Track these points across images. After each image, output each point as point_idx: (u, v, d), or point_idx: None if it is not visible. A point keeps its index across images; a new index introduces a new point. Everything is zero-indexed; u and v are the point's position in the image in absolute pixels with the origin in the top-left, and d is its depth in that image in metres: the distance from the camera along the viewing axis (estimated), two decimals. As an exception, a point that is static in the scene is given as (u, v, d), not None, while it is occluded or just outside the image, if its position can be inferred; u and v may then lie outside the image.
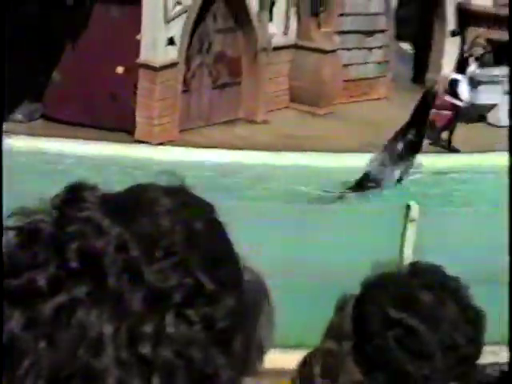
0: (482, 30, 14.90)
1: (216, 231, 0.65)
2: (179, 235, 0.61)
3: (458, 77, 13.39)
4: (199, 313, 0.60)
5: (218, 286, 0.61)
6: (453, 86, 13.17)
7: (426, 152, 11.92)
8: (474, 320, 1.38)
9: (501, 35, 14.59)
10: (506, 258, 4.18)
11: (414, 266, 1.45)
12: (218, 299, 0.60)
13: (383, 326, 1.36)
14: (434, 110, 12.06)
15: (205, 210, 0.65)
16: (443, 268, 1.43)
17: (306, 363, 1.40)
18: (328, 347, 1.40)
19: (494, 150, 11.85)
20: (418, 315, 1.36)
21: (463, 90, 13.08)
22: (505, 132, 12.96)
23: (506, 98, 13.67)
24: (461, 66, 14.15)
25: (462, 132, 13.09)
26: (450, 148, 12.77)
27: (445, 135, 13.07)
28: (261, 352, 0.74)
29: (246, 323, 0.64)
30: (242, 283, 0.64)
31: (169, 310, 0.59)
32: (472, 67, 13.88)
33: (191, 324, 0.59)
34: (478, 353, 1.38)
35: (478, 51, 14.41)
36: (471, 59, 14.06)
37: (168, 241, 0.60)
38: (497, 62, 14.66)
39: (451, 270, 1.41)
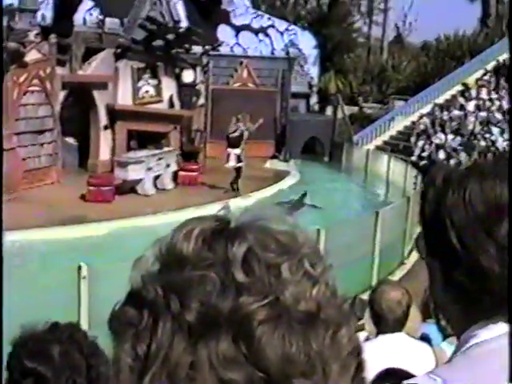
0: (126, 124, 20.10)
1: None
2: None
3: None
4: None
5: None
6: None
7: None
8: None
9: (139, 126, 20.06)
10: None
11: (53, 324, 1.76)
12: None
13: (21, 375, 1.66)
14: None
15: None
16: (77, 323, 1.88)
17: None
18: None
19: (143, 214, 16.12)
20: (48, 364, 1.66)
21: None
22: (152, 199, 18.02)
23: (149, 172, 18.35)
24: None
25: (120, 202, 16.95)
26: None
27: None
28: None
29: None
30: None
31: None
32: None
33: None
34: None
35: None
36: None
37: None
38: (141, 146, 19.77)
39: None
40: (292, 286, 0.88)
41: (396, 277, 13.09)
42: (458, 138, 26.00)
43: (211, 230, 0.92)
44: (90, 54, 19.77)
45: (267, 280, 0.88)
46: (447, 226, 1.25)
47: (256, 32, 28.88)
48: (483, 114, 27.53)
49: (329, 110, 31.57)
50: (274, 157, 26.04)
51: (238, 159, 19.35)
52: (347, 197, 20.26)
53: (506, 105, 27.60)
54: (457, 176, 1.31)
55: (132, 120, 19.96)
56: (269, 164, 25.00)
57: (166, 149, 20.04)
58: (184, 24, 22.17)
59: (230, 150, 19.38)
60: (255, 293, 0.86)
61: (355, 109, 33.28)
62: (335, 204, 18.97)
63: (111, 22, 20.87)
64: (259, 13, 30.19)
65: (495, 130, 25.96)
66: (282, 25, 30.14)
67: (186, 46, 21.47)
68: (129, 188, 18.04)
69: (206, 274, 0.87)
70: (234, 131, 19.91)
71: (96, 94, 20.02)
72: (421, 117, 29.24)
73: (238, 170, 19.37)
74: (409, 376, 2.52)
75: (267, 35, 29.29)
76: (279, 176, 22.62)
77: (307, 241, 0.94)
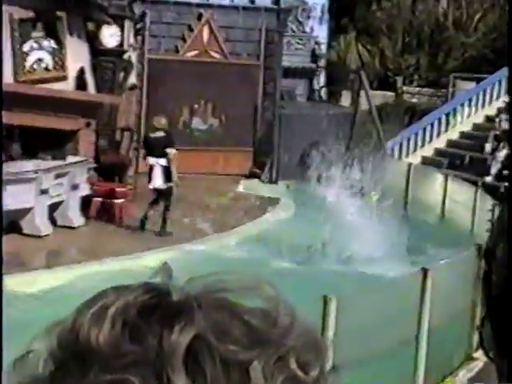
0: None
1: None
2: None
3: None
4: None
5: None
6: None
7: None
8: None
9: (25, 120, 20.02)
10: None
11: None
12: None
13: None
14: None
15: None
16: None
17: None
18: None
19: (31, 269, 16.43)
20: None
21: None
22: (46, 243, 18.03)
23: (43, 198, 18.49)
24: None
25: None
26: None
27: None
28: None
29: None
30: None
31: None
32: None
33: None
34: None
35: None
36: None
37: None
38: (28, 154, 19.81)
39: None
40: None
41: (459, 380, 13.22)
42: None
43: (137, 307, 0.95)
44: None
45: None
46: None
47: (225, -38, 29.18)
48: None
49: (345, 98, 31.89)
50: (251, 175, 26.34)
51: (166, 176, 19.39)
52: (376, 242, 20.43)
53: None
54: None
55: (13, 109, 19.80)
56: (243, 187, 25.14)
57: (71, 159, 20.20)
58: None
59: (151, 160, 19.54)
60: None
61: (390, 95, 33.61)
62: (356, 254, 19.16)
63: None
64: None
65: None
66: (269, -50, 30.40)
67: (107, -17, 21.77)
68: (7, 223, 17.92)
69: (125, 378, 0.90)
70: (158, 129, 19.80)
71: None
72: (502, 109, 29.59)
73: (164, 194, 19.42)
74: None
75: (244, -32, 29.59)
76: (260, 207, 22.77)
77: (295, 325, 0.97)
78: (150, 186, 19.37)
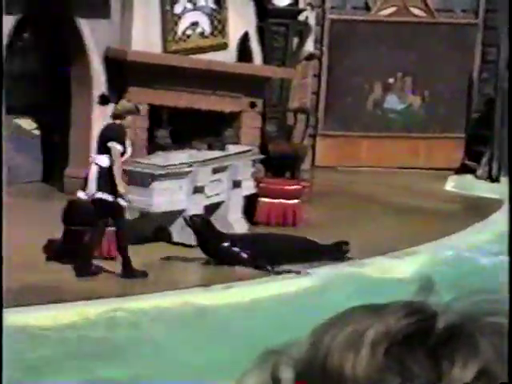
0: (147, 93, 20.04)
1: None
2: None
3: None
4: None
5: None
6: None
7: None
8: None
9: (177, 100, 20.28)
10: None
11: None
12: None
13: None
14: None
15: None
16: None
17: None
18: None
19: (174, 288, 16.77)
20: None
21: None
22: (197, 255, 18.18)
23: (197, 198, 18.55)
24: None
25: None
26: None
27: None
28: None
29: None
30: None
31: None
32: None
33: None
34: None
35: None
36: None
37: None
38: (179, 142, 20.26)
39: None
40: None
41: None
42: None
43: (402, 333, 1.01)
44: None
45: None
46: None
47: None
48: None
49: None
50: (463, 169, 26.30)
51: (104, 182, 17.21)
52: None
53: None
54: None
55: (161, 86, 20.54)
56: (451, 184, 24.93)
57: (232, 149, 20.41)
58: None
59: (92, 157, 17.77)
60: None
61: None
62: None
63: None
64: None
65: None
66: None
67: None
68: (152, 229, 18.81)
69: None
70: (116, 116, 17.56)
71: (84, 25, 20.59)
72: None
73: (106, 210, 17.38)
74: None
75: None
76: (474, 211, 22.74)
77: None
78: (78, 195, 17.51)
